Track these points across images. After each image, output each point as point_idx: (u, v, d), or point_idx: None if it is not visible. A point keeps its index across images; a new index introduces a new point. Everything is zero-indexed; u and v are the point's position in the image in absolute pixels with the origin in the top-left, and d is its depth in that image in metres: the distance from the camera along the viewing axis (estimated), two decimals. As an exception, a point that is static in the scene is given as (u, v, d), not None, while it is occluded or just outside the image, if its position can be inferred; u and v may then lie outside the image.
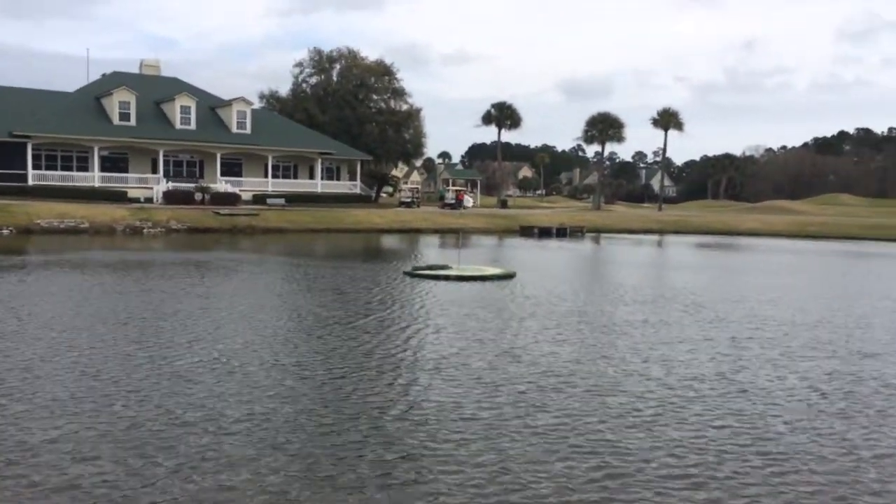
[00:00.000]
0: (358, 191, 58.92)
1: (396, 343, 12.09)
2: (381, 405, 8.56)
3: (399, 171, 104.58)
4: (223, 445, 7.08)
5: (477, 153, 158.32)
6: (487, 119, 74.92)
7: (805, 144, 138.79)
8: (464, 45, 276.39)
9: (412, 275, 21.68)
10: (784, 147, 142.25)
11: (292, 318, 14.31)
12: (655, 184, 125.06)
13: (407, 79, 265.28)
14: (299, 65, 69.43)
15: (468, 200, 67.10)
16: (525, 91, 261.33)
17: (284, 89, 70.03)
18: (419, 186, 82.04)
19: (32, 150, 46.03)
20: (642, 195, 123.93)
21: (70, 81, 56.37)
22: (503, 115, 74.54)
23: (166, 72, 59.62)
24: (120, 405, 8.23)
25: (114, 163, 49.84)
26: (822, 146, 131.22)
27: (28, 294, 16.43)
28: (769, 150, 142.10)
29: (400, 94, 69.58)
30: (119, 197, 45.31)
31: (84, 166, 48.50)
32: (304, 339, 12.28)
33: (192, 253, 28.76)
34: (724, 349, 12.14)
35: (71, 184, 46.41)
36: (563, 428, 7.86)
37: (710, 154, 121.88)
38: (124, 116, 49.93)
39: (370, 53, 70.56)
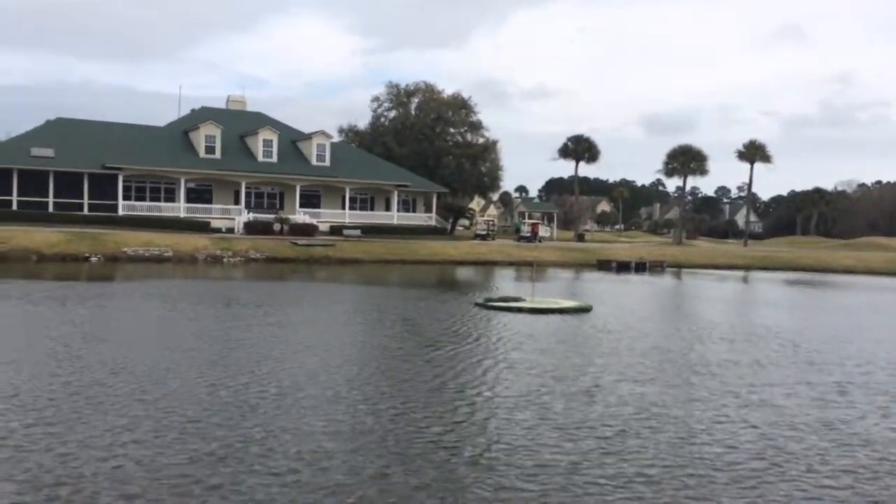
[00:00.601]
0: (433, 223, 58.86)
1: (465, 378, 11.45)
2: (449, 446, 7.92)
3: (476, 204, 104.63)
4: (270, 488, 6.57)
5: (554, 187, 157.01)
6: (564, 152, 73.99)
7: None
8: (544, 80, 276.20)
9: (484, 306, 21.03)
10: (879, 182, 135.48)
11: (358, 348, 13.86)
12: (740, 219, 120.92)
13: (486, 114, 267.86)
14: (376, 99, 70.55)
15: (544, 230, 66.08)
16: (605, 125, 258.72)
17: (364, 124, 71.23)
18: (494, 219, 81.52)
19: (123, 181, 47.84)
20: (726, 231, 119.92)
21: (164, 118, 58.30)
22: (580, 147, 73.48)
23: (254, 108, 61.47)
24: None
25: (199, 194, 51.31)
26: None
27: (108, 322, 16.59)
28: (862, 185, 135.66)
29: (477, 127, 69.63)
30: (203, 227, 46.50)
31: (171, 197, 50.10)
32: (369, 371, 11.78)
33: (266, 282, 28.92)
34: (829, 394, 10.99)
35: (158, 214, 47.96)
36: (648, 480, 7.02)
37: (799, 189, 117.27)
38: (210, 150, 51.48)
39: (451, 89, 70.26)
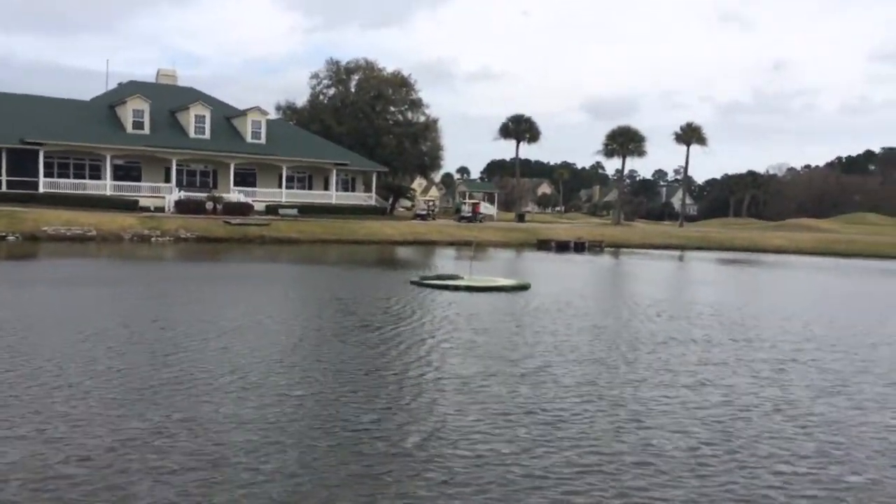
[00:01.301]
0: (373, 202, 57.87)
1: (392, 359, 10.85)
2: (380, 435, 7.31)
3: (418, 185, 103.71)
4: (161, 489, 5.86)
5: (496, 169, 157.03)
6: (505, 132, 73.69)
7: (830, 164, 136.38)
8: (488, 63, 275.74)
9: (420, 284, 20.46)
10: (808, 166, 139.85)
11: (284, 329, 13.11)
12: (676, 202, 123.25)
13: (429, 95, 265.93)
14: (315, 76, 68.78)
15: (485, 208, 65.70)
16: (548, 110, 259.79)
17: (302, 101, 69.45)
18: (434, 199, 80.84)
19: (45, 157, 45.39)
20: (662, 213, 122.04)
21: (93, 94, 55.40)
22: (521, 128, 73.29)
23: (192, 86, 59.00)
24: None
25: (126, 171, 49.14)
26: (847, 165, 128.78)
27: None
28: (791, 169, 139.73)
29: (417, 105, 68.64)
30: (131, 206, 44.53)
31: (97, 174, 47.84)
32: (294, 354, 11.07)
33: (191, 262, 27.74)
34: (766, 371, 10.77)
35: (83, 192, 45.68)
36: (592, 469, 6.56)
37: (732, 173, 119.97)
38: (138, 125, 49.31)
39: (393, 68, 68.82)
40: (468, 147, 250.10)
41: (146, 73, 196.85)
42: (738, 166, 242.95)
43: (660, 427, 7.72)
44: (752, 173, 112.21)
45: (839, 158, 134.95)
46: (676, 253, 49.03)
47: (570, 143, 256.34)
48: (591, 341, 12.73)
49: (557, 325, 14.42)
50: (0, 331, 11.50)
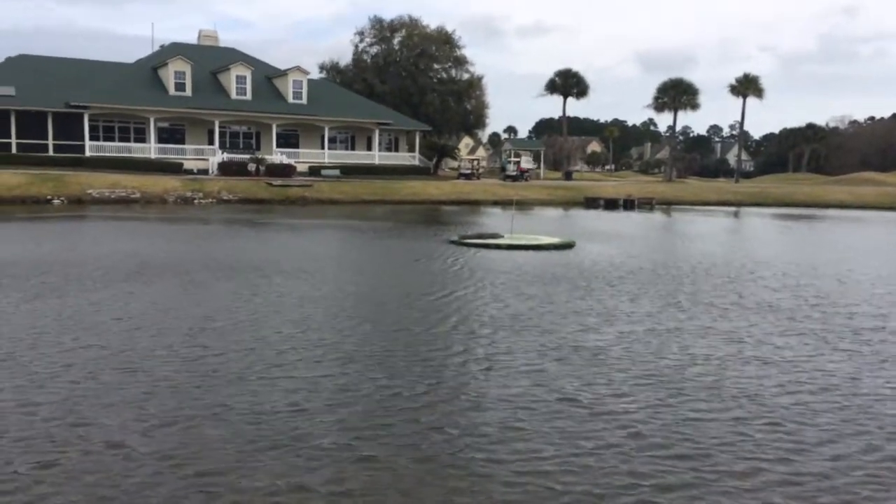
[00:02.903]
0: (416, 163, 57.00)
1: (419, 317, 10.08)
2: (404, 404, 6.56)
3: (464, 145, 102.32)
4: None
5: (544, 128, 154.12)
6: (552, 87, 71.48)
7: (894, 115, 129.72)
8: (541, 17, 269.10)
9: (459, 243, 19.63)
10: (871, 118, 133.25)
11: (316, 288, 12.44)
12: (731, 158, 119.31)
13: (478, 53, 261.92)
14: (359, 34, 67.65)
15: (528, 162, 64.09)
16: (600, 64, 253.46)
17: (346, 61, 68.51)
18: (479, 158, 79.40)
19: (90, 120, 45.65)
20: (717, 169, 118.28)
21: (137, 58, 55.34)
22: (569, 83, 71.01)
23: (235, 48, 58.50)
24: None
25: (171, 134, 49.17)
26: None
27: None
28: (854, 122, 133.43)
29: (462, 62, 67.15)
30: (175, 168, 44.61)
31: (141, 137, 48.00)
32: (326, 315, 10.38)
33: (230, 224, 27.39)
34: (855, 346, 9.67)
35: (128, 155, 45.91)
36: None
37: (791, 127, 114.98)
38: (180, 87, 49.15)
39: (437, 25, 67.10)
40: (516, 106, 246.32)
41: (190, 37, 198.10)
42: (797, 120, 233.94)
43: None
44: (811, 126, 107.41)
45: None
46: (732, 210, 47.08)
47: (622, 98, 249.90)
48: (629, 305, 11.74)
49: (593, 286, 13.44)
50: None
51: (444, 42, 66.14)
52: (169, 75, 49.14)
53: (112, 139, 47.17)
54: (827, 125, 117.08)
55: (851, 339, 9.10)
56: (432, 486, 4.76)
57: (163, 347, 8.04)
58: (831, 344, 8.84)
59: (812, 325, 9.92)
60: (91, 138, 45.67)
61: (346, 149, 55.30)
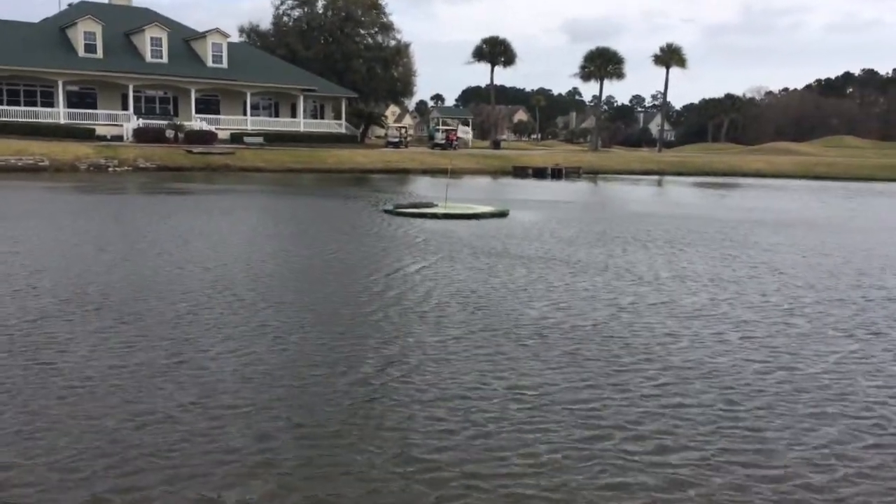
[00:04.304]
0: (343, 130, 55.84)
1: (360, 288, 9.62)
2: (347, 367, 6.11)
3: (391, 113, 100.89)
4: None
5: (471, 96, 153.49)
6: (479, 55, 70.99)
7: (808, 87, 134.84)
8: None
9: (393, 213, 19.14)
10: (786, 89, 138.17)
11: (247, 261, 11.77)
12: (653, 128, 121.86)
13: (404, 21, 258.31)
14: (279, -5, 65.32)
15: (465, 132, 63.80)
16: (527, 32, 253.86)
17: (266, 24, 66.21)
18: (407, 127, 78.45)
19: (-8, 83, 42.79)
20: (640, 139, 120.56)
21: (42, 17, 51.94)
22: (496, 50, 70.65)
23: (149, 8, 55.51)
24: None
25: (81, 98, 46.55)
26: (825, 88, 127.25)
27: None
28: (770, 92, 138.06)
29: (388, 28, 65.94)
30: (87, 134, 42.28)
31: (49, 102, 45.27)
32: (258, 286, 9.78)
33: (142, 192, 26.07)
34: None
35: (35, 120, 43.23)
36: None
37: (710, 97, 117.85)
38: (90, 48, 46.46)
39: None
40: (443, 74, 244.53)
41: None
42: (717, 91, 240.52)
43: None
44: (730, 97, 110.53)
45: (818, 81, 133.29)
46: (655, 178, 48.00)
47: (548, 67, 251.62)
48: (569, 272, 11.58)
49: (537, 253, 13.24)
50: None
51: (369, 7, 64.67)
52: (78, 36, 46.37)
53: (17, 103, 44.33)
54: (744, 96, 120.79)
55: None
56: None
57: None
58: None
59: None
60: (-6, 103, 42.82)
61: (270, 116, 53.66)
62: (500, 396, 5.70)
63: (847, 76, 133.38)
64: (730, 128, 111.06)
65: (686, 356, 6.90)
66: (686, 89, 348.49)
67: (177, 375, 6.01)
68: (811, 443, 5.01)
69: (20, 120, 42.58)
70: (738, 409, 5.61)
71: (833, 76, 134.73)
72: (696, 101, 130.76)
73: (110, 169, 35.70)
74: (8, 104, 43.88)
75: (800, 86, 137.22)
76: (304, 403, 5.48)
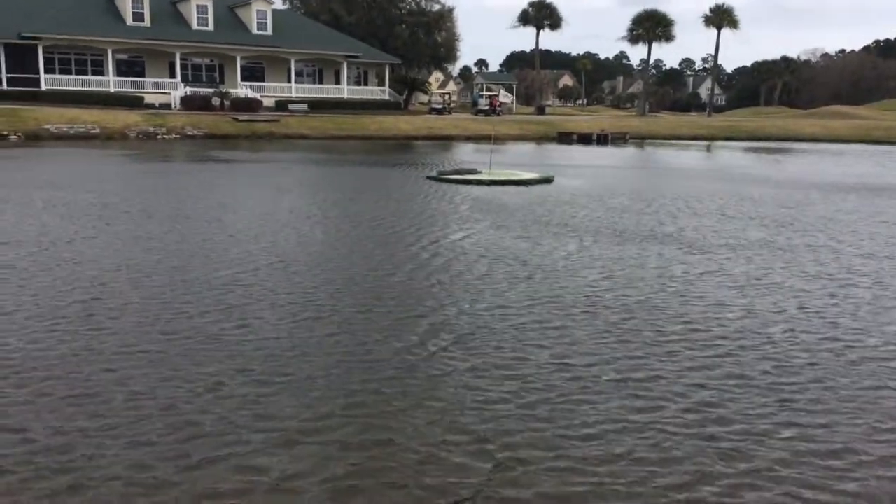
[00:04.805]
0: (387, 97, 55.65)
1: (405, 257, 9.61)
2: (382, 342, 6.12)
3: (435, 80, 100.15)
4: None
5: (516, 62, 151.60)
6: (525, 19, 69.84)
7: (866, 48, 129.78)
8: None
9: (437, 179, 19.07)
10: (843, 51, 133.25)
11: (295, 229, 11.85)
12: (703, 92, 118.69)
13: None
14: (324, -39, 64.86)
15: (505, 96, 63.17)
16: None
17: (310, -10, 65.86)
18: (451, 93, 77.83)
19: (44, 52, 43.53)
20: (689, 104, 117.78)
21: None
22: (541, 14, 69.39)
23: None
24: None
25: (130, 67, 47.20)
26: (884, 49, 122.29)
27: None
28: (826, 55, 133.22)
29: (432, -8, 65.04)
30: (135, 102, 42.89)
31: (99, 70, 45.98)
32: (306, 256, 9.85)
33: (198, 156, 26.41)
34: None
35: (86, 88, 43.98)
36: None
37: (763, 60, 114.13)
38: (138, 17, 46.93)
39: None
40: (487, 39, 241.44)
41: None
42: (770, 53, 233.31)
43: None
44: (784, 59, 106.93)
45: (876, 42, 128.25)
46: (704, 143, 46.90)
47: (595, 30, 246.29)
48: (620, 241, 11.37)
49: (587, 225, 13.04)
50: None
51: (413, -29, 63.93)
52: (126, 4, 46.82)
53: (69, 72, 45.14)
54: (799, 58, 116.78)
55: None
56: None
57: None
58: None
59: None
60: (46, 71, 43.65)
61: (314, 83, 53.72)
62: (546, 367, 5.64)
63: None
64: (783, 91, 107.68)
65: (739, 325, 6.74)
66: (738, 52, 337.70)
67: (226, 344, 6.07)
68: (870, 417, 4.85)
69: (72, 88, 43.39)
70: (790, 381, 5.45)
71: (893, 37, 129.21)
72: (748, 63, 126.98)
73: (159, 136, 36.25)
74: (60, 73, 44.69)
75: (857, 47, 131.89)
76: (348, 371, 5.49)
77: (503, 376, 5.43)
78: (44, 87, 42.85)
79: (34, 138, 33.35)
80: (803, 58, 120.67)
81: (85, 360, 5.61)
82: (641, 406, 4.94)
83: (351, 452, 4.26)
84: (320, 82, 54.02)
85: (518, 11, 69.78)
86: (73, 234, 10.61)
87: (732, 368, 5.69)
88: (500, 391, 5.15)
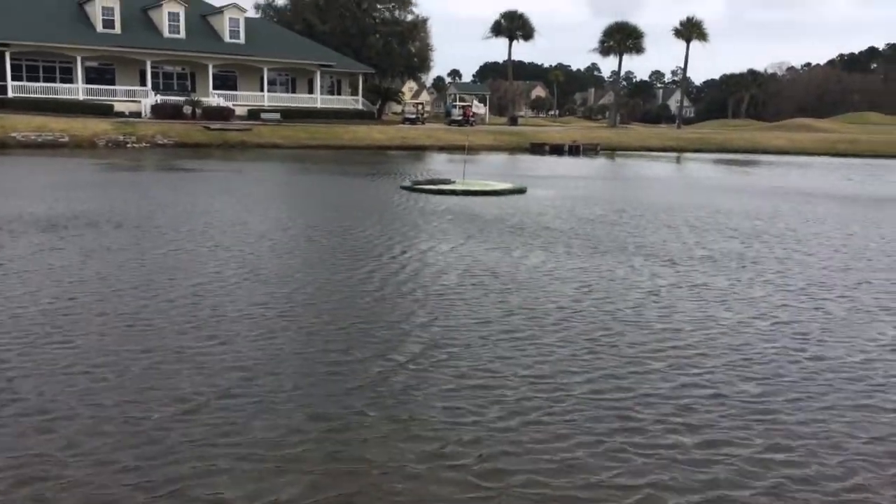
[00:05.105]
0: (360, 106, 55.61)
1: (377, 266, 9.60)
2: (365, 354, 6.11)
3: (408, 90, 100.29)
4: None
5: (489, 72, 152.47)
6: (497, 30, 70.31)
7: (830, 62, 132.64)
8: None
9: (411, 189, 19.10)
10: (808, 65, 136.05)
11: (264, 237, 11.78)
12: (673, 104, 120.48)
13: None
14: (297, -30, 64.79)
15: (478, 107, 63.51)
16: (548, 7, 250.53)
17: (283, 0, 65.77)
18: (424, 103, 78.04)
19: (11, 59, 42.86)
20: (659, 115, 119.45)
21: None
22: (514, 25, 69.93)
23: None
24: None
25: (100, 74, 46.63)
26: (849, 63, 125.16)
27: None
28: (791, 68, 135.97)
29: (405, 3, 65.15)
30: (105, 110, 42.42)
31: (68, 77, 45.37)
32: (277, 263, 9.79)
33: (166, 165, 26.14)
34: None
35: (54, 96, 43.36)
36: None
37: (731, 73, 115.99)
38: (108, 24, 46.43)
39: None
40: (460, 50, 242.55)
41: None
42: (737, 66, 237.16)
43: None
44: (751, 72, 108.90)
45: (840, 56, 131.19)
46: (674, 155, 47.52)
47: (567, 43, 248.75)
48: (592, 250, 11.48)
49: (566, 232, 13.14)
50: None
51: (386, -19, 64.02)
52: (96, 11, 46.33)
53: (36, 79, 44.48)
54: (766, 71, 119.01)
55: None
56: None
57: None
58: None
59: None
60: (14, 78, 42.98)
61: (287, 91, 53.52)
62: (521, 385, 5.67)
63: (871, 51, 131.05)
64: (750, 104, 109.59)
65: (715, 341, 6.83)
66: (707, 65, 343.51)
67: (202, 363, 6.02)
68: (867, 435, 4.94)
69: (40, 96, 42.78)
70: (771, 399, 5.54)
71: (857, 51, 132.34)
72: (716, 76, 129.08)
73: (129, 145, 35.84)
74: (27, 80, 44.01)
75: (822, 61, 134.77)
76: (317, 385, 5.47)
77: (478, 395, 5.45)
78: (10, 94, 42.19)
79: (0, 146, 32.80)
80: (770, 71, 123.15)
81: (48, 375, 5.52)
82: (620, 427, 4.99)
83: (321, 472, 4.24)
84: (293, 91, 53.84)
85: (491, 22, 70.18)
86: (39, 246, 10.44)
87: (708, 386, 5.76)
88: (475, 410, 5.16)
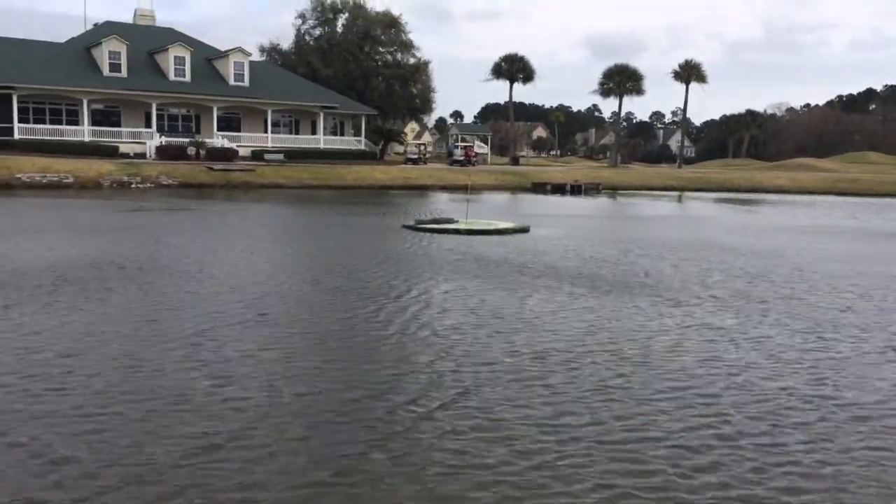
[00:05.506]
0: (363, 147, 56.04)
1: (381, 307, 9.55)
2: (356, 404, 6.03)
3: (410, 130, 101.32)
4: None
5: (490, 113, 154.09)
6: (498, 72, 71.23)
7: (829, 103, 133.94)
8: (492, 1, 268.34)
9: (414, 228, 19.12)
10: (808, 105, 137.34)
11: (268, 275, 11.75)
12: (673, 144, 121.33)
13: (425, 39, 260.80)
14: (301, 16, 66.02)
15: (480, 147, 64.03)
16: (549, 49, 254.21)
17: (287, 43, 66.84)
18: (426, 143, 78.65)
19: (19, 101, 43.34)
20: (659, 155, 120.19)
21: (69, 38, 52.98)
22: (514, 67, 70.83)
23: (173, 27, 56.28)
24: None
25: (105, 116, 47.12)
26: (847, 104, 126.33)
27: None
28: (791, 108, 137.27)
29: (408, 47, 66.15)
30: (110, 152, 42.73)
31: (74, 120, 45.82)
32: (279, 299, 9.75)
33: (165, 210, 26.24)
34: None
35: (60, 138, 43.74)
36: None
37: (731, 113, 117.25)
38: (115, 67, 47.06)
39: (383, 8, 66.00)
40: (462, 91, 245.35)
41: (125, 17, 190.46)
42: (738, 107, 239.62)
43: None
44: (750, 113, 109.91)
45: (839, 97, 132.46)
46: (675, 194, 47.70)
47: (568, 84, 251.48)
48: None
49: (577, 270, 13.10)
50: None
51: (389, 26, 65.04)
52: (103, 55, 47.01)
53: (43, 121, 44.92)
54: (765, 112, 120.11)
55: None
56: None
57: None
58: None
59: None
60: (20, 120, 43.39)
61: (290, 133, 54.00)
62: (527, 434, 5.58)
63: (870, 92, 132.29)
64: (750, 144, 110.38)
65: (729, 381, 6.75)
66: (707, 106, 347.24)
67: (200, 403, 5.95)
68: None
69: (46, 138, 43.16)
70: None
71: (855, 92, 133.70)
72: (716, 117, 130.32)
73: (133, 186, 36.04)
74: (34, 122, 44.44)
75: (822, 102, 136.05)
76: (325, 432, 5.40)
77: (476, 446, 5.36)
78: (17, 135, 42.56)
79: (5, 187, 33.01)
80: (769, 112, 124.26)
81: (46, 417, 5.45)
82: (627, 469, 4.90)
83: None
84: (297, 132, 54.32)
85: (492, 64, 71.15)
86: (48, 286, 10.42)
87: (719, 426, 5.68)
88: (480, 448, 5.08)
